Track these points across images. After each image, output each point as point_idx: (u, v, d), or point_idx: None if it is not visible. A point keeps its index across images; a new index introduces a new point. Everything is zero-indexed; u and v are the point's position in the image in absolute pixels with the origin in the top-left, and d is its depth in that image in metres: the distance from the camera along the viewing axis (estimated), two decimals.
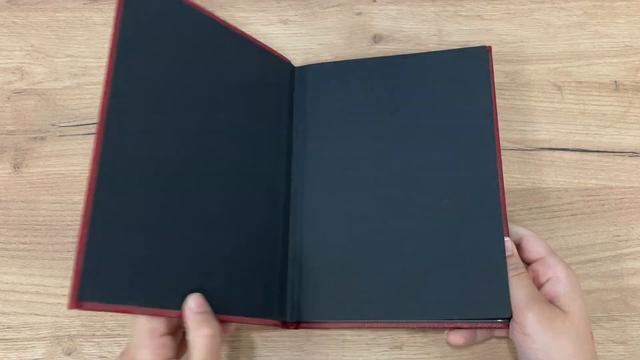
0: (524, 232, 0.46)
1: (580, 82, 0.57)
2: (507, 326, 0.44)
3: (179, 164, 0.43)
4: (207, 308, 0.40)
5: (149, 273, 0.39)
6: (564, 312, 0.41)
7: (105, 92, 0.40)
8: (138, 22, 0.43)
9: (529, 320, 0.41)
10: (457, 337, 0.46)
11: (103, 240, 0.37)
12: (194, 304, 0.40)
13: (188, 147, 0.44)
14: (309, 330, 0.50)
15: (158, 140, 0.42)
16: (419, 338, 0.49)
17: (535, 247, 0.45)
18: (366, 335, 0.50)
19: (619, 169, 0.54)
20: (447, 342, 0.47)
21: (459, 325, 0.45)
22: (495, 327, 0.45)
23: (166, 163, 0.42)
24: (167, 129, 0.43)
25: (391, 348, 0.49)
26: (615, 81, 0.57)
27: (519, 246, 0.46)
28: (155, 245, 0.40)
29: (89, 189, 0.38)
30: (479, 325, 0.44)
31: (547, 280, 0.44)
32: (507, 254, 0.44)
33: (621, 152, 0.55)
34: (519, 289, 0.42)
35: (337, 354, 0.49)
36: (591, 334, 0.42)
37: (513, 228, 0.46)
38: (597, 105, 0.56)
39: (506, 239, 0.44)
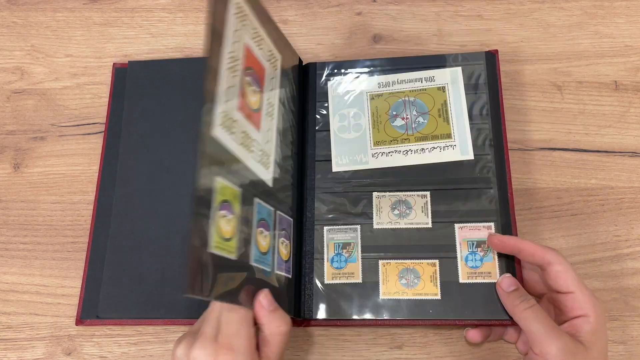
0: (553, 258, 0.43)
1: (580, 82, 0.57)
2: (508, 325, 0.45)
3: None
4: (276, 305, 0.41)
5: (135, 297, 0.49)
6: (585, 346, 0.41)
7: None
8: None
9: (552, 355, 0.40)
10: (476, 334, 0.47)
11: (98, 281, 0.50)
12: (265, 301, 0.41)
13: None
14: (309, 330, 0.50)
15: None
16: (418, 338, 0.49)
17: (565, 282, 0.43)
18: (366, 335, 0.50)
19: (619, 169, 0.54)
20: (466, 339, 0.47)
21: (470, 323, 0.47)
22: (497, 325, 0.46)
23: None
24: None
25: (391, 348, 0.49)
26: (615, 81, 0.57)
27: (544, 270, 0.44)
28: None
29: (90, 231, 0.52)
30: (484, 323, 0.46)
31: (575, 317, 0.42)
32: (511, 289, 0.44)
33: (621, 152, 0.55)
34: (535, 322, 0.41)
35: (337, 353, 0.49)
36: None
37: (539, 252, 0.44)
38: (597, 105, 0.56)
39: (506, 275, 0.45)
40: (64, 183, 0.55)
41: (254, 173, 0.43)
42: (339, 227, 0.50)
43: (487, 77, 0.53)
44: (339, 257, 0.49)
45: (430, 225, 0.49)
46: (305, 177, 0.52)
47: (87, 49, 0.60)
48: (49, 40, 0.61)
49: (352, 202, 0.50)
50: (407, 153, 0.51)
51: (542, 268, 0.44)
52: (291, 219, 0.49)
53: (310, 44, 0.60)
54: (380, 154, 0.52)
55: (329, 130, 0.53)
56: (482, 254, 0.47)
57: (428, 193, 0.50)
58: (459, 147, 0.51)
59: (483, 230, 0.48)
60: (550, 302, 0.46)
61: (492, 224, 0.48)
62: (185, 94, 0.55)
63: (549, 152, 0.55)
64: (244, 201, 0.41)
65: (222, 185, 0.38)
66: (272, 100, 0.47)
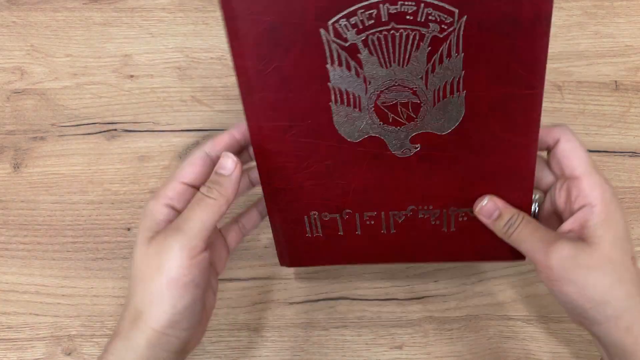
0: (560, 133, 0.37)
1: (580, 82, 0.57)
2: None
3: None
4: None
5: None
6: (589, 244, 0.36)
7: None
8: None
9: (552, 269, 0.36)
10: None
11: None
12: None
13: None
14: (309, 330, 0.50)
15: None
16: (418, 338, 0.49)
17: (571, 163, 0.37)
18: (366, 335, 0.50)
19: (619, 169, 0.54)
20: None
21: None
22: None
23: None
24: None
25: (391, 348, 0.49)
26: (615, 81, 0.57)
27: (551, 153, 0.39)
28: None
29: None
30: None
31: (580, 208, 0.37)
32: (494, 218, 0.39)
33: (621, 152, 0.55)
34: (528, 240, 0.38)
35: (337, 354, 0.49)
36: (633, 258, 0.37)
37: (545, 130, 0.37)
38: (597, 105, 0.56)
39: (482, 202, 0.39)
40: (64, 183, 0.55)
41: None
42: None
43: None
44: None
45: None
46: None
47: (87, 49, 0.60)
48: (48, 40, 0.61)
49: None
50: None
51: (550, 150, 0.39)
52: None
53: None
54: None
55: None
56: None
57: None
58: None
59: None
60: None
61: None
62: None
63: None
64: None
65: None
66: None
